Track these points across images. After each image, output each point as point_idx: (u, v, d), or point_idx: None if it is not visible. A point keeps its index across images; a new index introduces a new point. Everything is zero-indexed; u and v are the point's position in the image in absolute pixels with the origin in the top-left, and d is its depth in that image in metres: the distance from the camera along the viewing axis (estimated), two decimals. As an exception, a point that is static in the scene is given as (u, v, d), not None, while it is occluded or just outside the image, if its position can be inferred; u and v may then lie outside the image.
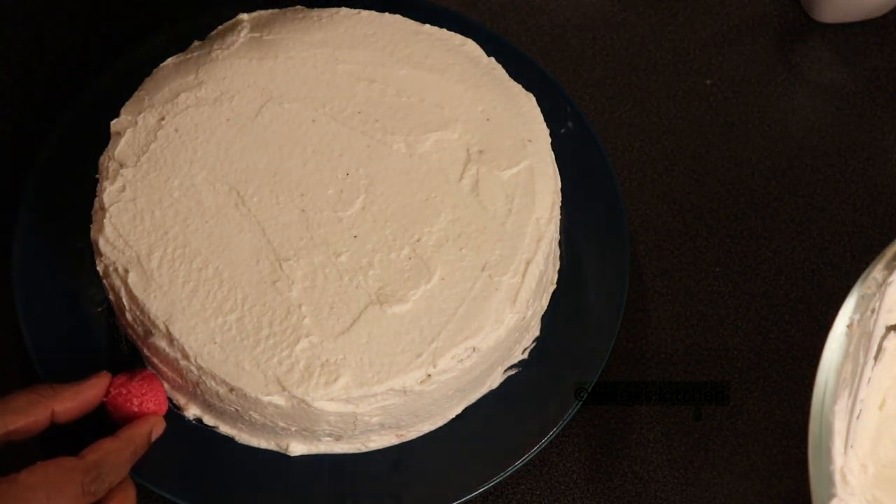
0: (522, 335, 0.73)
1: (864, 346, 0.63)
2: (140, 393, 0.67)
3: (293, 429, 0.68)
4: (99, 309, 0.73)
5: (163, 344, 0.67)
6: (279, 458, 0.70)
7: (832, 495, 0.58)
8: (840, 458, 0.59)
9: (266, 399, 0.65)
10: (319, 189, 0.71)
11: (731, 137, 0.87)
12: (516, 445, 0.71)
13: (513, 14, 0.91)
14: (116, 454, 0.62)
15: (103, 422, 0.66)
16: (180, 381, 0.68)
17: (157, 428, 0.66)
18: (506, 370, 0.74)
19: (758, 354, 0.79)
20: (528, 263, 0.70)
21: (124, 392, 0.66)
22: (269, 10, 0.78)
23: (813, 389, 0.60)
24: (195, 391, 0.68)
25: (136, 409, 0.66)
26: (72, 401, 0.63)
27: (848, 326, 0.61)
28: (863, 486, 0.62)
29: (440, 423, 0.72)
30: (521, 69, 0.79)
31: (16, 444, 0.60)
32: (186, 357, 0.66)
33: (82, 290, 0.74)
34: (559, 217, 0.74)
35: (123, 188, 0.70)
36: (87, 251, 0.71)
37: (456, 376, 0.68)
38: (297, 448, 0.70)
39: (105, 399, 0.66)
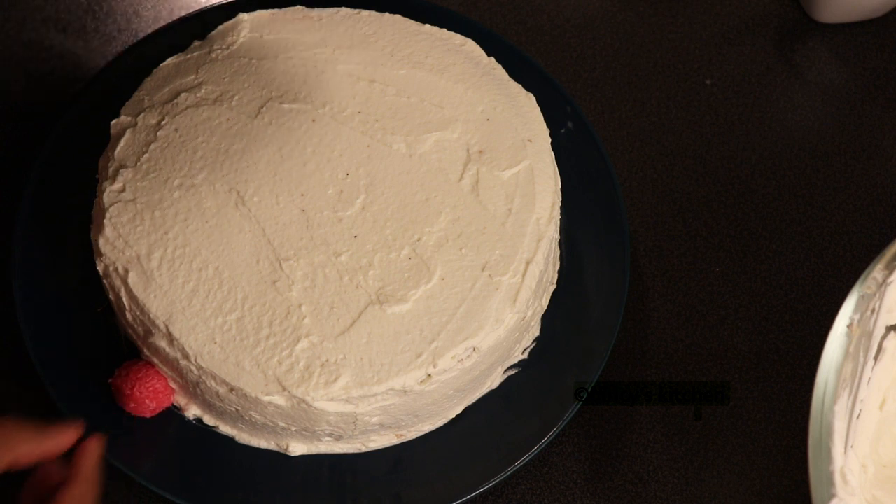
0: (522, 335, 0.73)
1: (864, 346, 0.63)
2: (136, 378, 0.68)
3: (293, 429, 0.68)
4: (99, 309, 0.73)
5: (163, 344, 0.67)
6: (279, 458, 0.70)
7: (832, 495, 0.58)
8: (840, 458, 0.59)
9: (266, 399, 0.65)
10: (319, 189, 0.71)
11: (731, 137, 0.87)
12: (516, 445, 0.71)
13: (513, 14, 0.91)
14: (83, 499, 0.58)
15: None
16: (180, 381, 0.68)
17: (97, 454, 0.61)
18: (506, 370, 0.74)
19: (758, 354, 0.79)
20: (528, 263, 0.70)
21: (123, 374, 0.68)
22: (269, 10, 0.78)
23: (813, 389, 0.60)
24: (195, 391, 0.68)
25: (128, 392, 0.68)
26: (36, 448, 0.58)
27: (848, 326, 0.61)
28: (863, 486, 0.62)
29: (440, 423, 0.72)
30: (521, 69, 0.79)
31: None
32: (186, 357, 0.66)
33: (82, 290, 0.74)
34: (559, 217, 0.74)
35: (123, 188, 0.70)
36: (87, 251, 0.71)
37: (456, 376, 0.68)
38: (297, 448, 0.70)
39: (110, 381, 0.69)
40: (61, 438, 0.60)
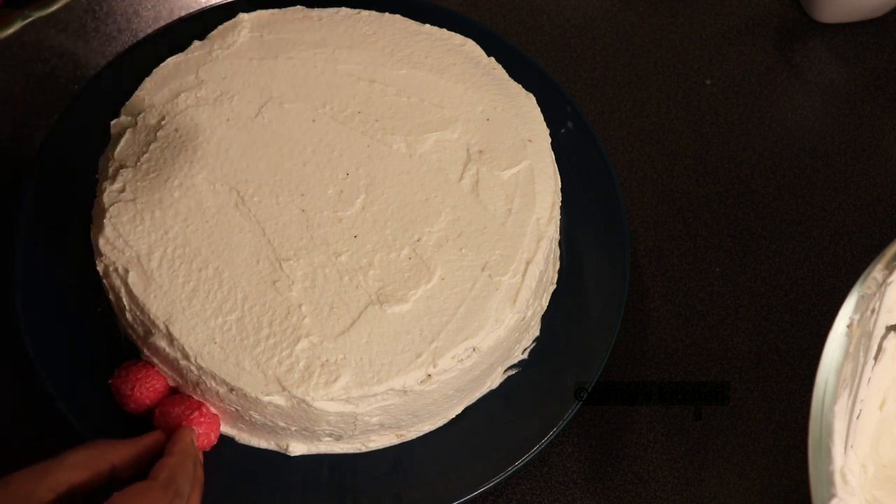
0: (522, 335, 0.73)
1: (864, 346, 0.63)
2: (136, 378, 0.68)
3: (293, 429, 0.68)
4: (99, 309, 0.73)
5: (163, 344, 0.67)
6: (279, 458, 0.70)
7: (832, 495, 0.58)
8: (840, 458, 0.59)
9: (266, 399, 0.65)
10: (319, 189, 0.71)
11: (731, 137, 0.87)
12: (516, 445, 0.71)
13: (513, 14, 0.92)
14: (181, 466, 0.62)
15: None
16: (180, 381, 0.68)
17: (192, 436, 0.66)
18: (506, 370, 0.74)
19: (758, 354, 0.79)
20: (528, 263, 0.70)
21: (123, 374, 0.68)
22: (269, 10, 0.79)
23: (813, 389, 0.60)
24: (195, 391, 0.68)
25: (128, 393, 0.68)
26: (130, 453, 0.63)
27: (848, 326, 0.61)
28: (863, 486, 0.62)
29: (440, 423, 0.72)
30: (521, 69, 0.79)
31: (77, 500, 0.60)
32: (186, 357, 0.66)
33: (82, 290, 0.74)
34: (559, 217, 0.74)
35: (123, 188, 0.70)
36: (87, 251, 0.71)
37: (456, 376, 0.68)
38: (297, 448, 0.70)
39: (110, 382, 0.68)
40: (151, 440, 0.65)
